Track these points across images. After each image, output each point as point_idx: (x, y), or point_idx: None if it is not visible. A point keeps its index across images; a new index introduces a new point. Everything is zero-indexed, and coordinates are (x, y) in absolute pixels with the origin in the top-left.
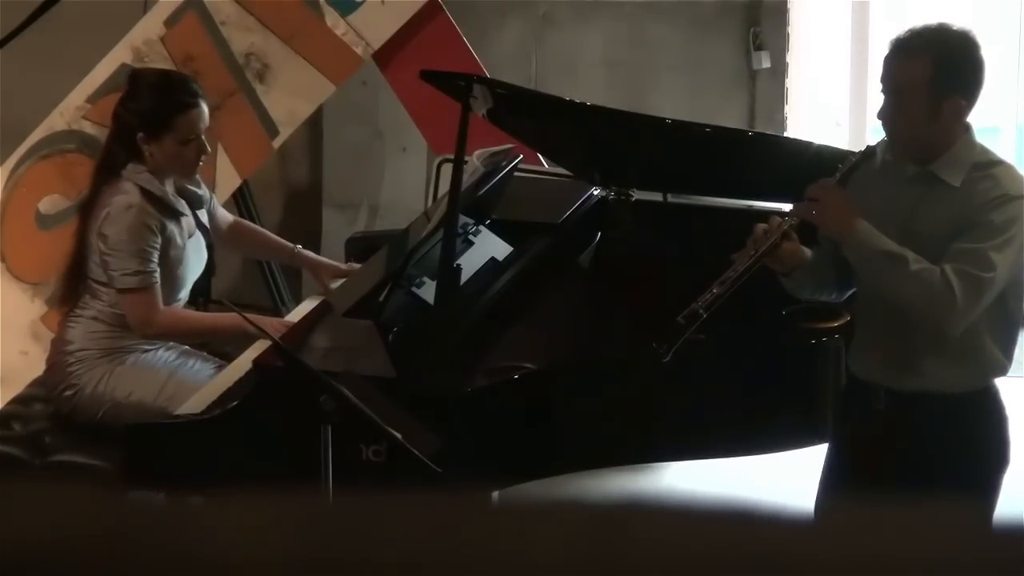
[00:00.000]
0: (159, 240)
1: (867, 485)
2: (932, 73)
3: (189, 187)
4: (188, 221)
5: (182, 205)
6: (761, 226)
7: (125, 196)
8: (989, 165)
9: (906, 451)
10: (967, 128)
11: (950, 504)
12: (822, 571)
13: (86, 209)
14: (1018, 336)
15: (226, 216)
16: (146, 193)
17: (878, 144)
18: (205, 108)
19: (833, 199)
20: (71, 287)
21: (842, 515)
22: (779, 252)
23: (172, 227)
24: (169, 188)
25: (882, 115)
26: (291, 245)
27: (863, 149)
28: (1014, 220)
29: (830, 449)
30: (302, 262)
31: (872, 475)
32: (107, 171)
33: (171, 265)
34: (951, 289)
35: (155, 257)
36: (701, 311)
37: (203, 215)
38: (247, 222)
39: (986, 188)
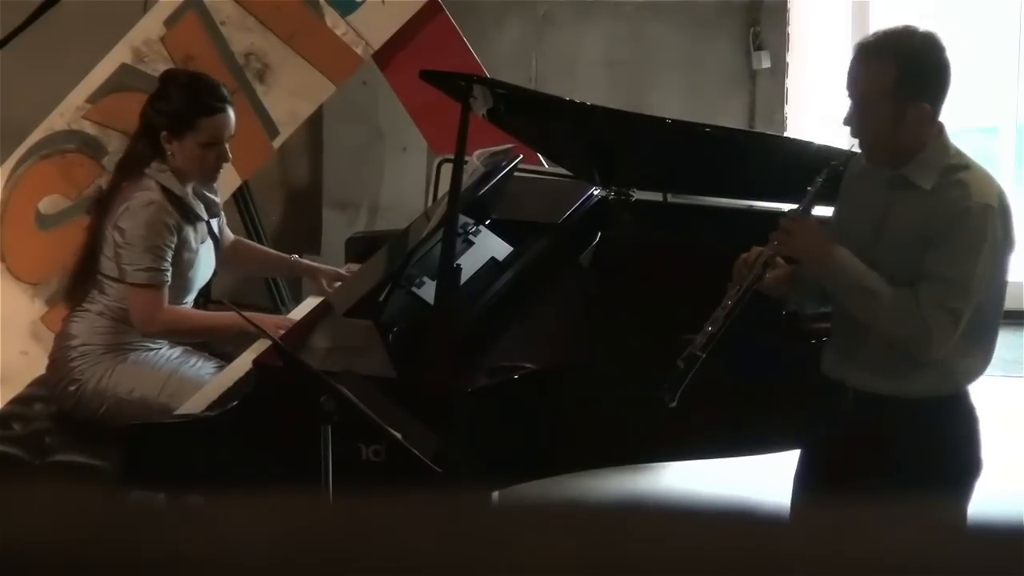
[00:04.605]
0: (175, 239)
1: (836, 484)
2: (896, 79)
3: (207, 194)
4: (202, 227)
5: (201, 209)
6: (743, 257)
7: (146, 193)
8: (960, 169)
9: (873, 453)
10: (940, 130)
11: (920, 505)
12: (821, 571)
13: (103, 203)
14: (995, 342)
15: (229, 234)
16: (167, 192)
17: (847, 162)
18: (232, 115)
19: (804, 231)
20: (80, 282)
21: (819, 515)
22: (765, 281)
23: (188, 229)
24: (189, 191)
25: (848, 121)
26: (288, 256)
27: (827, 169)
28: (983, 232)
29: (803, 447)
30: (302, 271)
31: (840, 476)
32: (129, 168)
33: (183, 268)
34: (926, 326)
35: (169, 256)
36: (698, 352)
37: (215, 224)
38: (248, 241)
39: (955, 196)
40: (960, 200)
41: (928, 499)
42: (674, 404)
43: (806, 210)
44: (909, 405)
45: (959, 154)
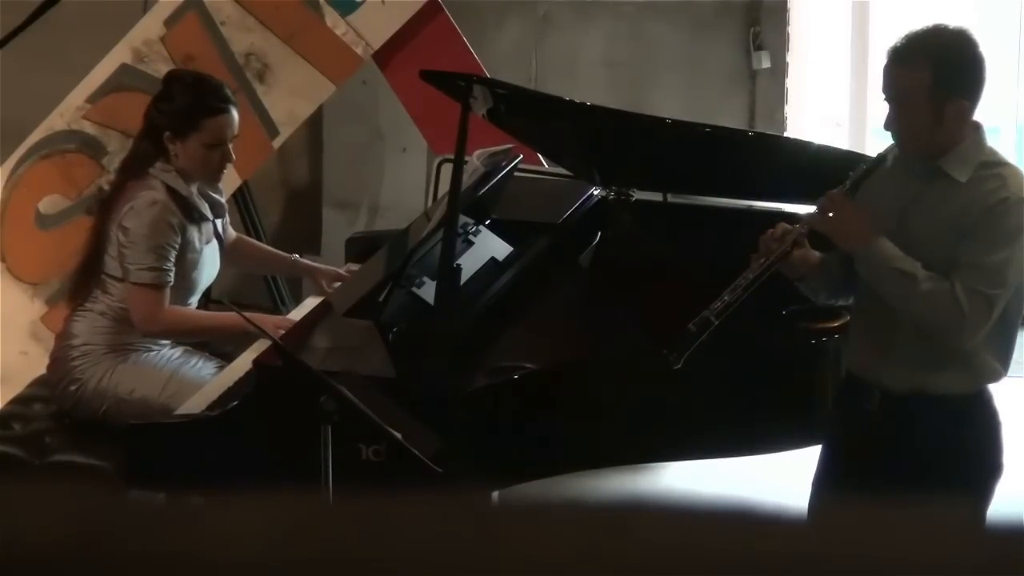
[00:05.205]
0: (179, 239)
1: (858, 485)
2: (933, 79)
3: (213, 194)
4: (207, 227)
5: (206, 209)
6: (770, 232)
7: (151, 192)
8: (996, 165)
9: (897, 452)
10: (977, 127)
11: (942, 506)
12: (822, 571)
13: (108, 203)
14: (1015, 341)
15: (231, 232)
16: (172, 192)
17: (888, 150)
18: (235, 116)
19: (846, 212)
20: (83, 281)
21: (837, 515)
22: (789, 259)
23: (192, 230)
24: (194, 191)
25: (888, 125)
26: (289, 256)
27: (875, 156)
28: (1020, 224)
29: (824, 448)
30: (301, 271)
31: (863, 475)
32: (133, 168)
33: (186, 268)
34: (961, 311)
35: (172, 256)
36: (712, 319)
37: (220, 225)
38: (249, 239)
39: (992, 188)
40: (998, 191)
41: (951, 500)
42: (679, 366)
43: (848, 191)
44: (934, 404)
45: (994, 152)
